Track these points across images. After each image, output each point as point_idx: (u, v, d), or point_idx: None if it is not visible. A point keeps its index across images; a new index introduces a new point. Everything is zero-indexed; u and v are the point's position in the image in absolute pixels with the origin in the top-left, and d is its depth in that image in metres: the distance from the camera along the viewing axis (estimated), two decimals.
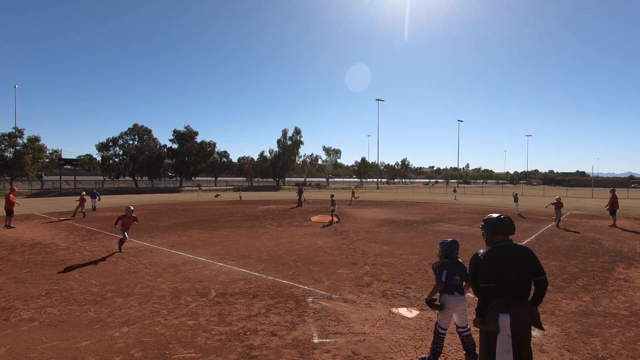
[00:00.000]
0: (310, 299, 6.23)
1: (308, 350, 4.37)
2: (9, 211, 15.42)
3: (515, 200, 22.60)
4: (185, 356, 4.22)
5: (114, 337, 4.70)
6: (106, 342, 4.55)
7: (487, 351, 3.12)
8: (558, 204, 15.98)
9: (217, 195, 43.30)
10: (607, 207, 17.30)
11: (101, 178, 72.83)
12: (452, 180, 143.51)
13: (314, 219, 18.43)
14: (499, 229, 3.26)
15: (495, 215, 3.39)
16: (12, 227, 14.98)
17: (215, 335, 4.76)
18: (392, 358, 4.23)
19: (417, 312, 5.69)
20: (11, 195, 15.79)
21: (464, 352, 4.12)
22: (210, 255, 9.76)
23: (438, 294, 3.99)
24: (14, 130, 53.16)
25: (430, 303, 3.96)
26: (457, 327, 4.09)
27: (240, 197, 38.25)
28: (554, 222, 16.24)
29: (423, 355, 4.17)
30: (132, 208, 10.87)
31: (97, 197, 23.32)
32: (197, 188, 45.84)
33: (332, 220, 17.02)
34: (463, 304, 4.02)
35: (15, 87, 58.20)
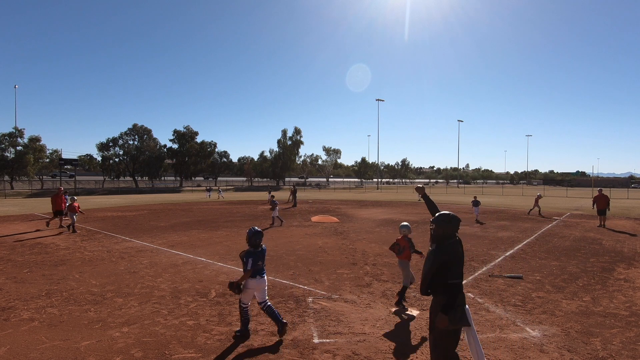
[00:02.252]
0: (310, 299, 6.23)
1: (308, 350, 4.37)
2: (59, 212, 14.90)
3: (475, 204, 19.00)
4: (185, 356, 4.22)
5: (114, 337, 4.69)
6: (106, 342, 4.55)
7: (446, 349, 3.15)
8: (537, 200, 21.33)
9: (209, 190, 43.63)
10: (593, 207, 17.09)
11: (101, 178, 72.85)
12: (452, 180, 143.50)
13: (314, 219, 18.42)
14: (456, 226, 3.26)
15: (449, 212, 3.35)
16: (63, 227, 14.56)
17: (215, 335, 4.76)
18: (392, 358, 4.23)
19: (417, 312, 5.69)
20: (61, 195, 15.13)
21: (274, 322, 4.78)
22: (210, 255, 9.76)
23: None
24: (14, 131, 53.23)
25: (235, 287, 4.54)
26: (258, 302, 4.82)
27: (220, 196, 39.01)
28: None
29: (237, 329, 4.81)
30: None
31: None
32: (207, 189, 44.80)
33: (273, 223, 16.00)
34: (262, 284, 4.74)
35: (15, 87, 58.34)
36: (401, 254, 6.08)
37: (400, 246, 6.10)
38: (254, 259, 4.55)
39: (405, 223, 6.42)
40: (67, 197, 19.59)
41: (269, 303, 4.79)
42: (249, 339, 4.65)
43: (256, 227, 4.75)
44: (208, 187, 43.87)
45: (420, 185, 4.26)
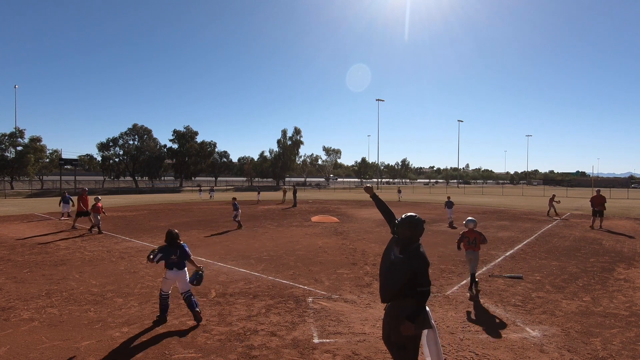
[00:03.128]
0: (310, 299, 6.23)
1: (308, 350, 4.37)
2: (84, 212, 14.75)
3: (449, 206, 17.31)
4: (185, 356, 4.22)
5: (114, 337, 4.70)
6: (106, 342, 4.55)
7: (409, 355, 2.99)
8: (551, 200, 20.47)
9: (201, 190, 43.00)
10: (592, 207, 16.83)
11: (101, 178, 72.88)
12: (452, 181, 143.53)
13: (314, 219, 18.42)
14: (422, 230, 3.07)
15: (415, 214, 3.09)
16: (95, 228, 14.19)
17: (215, 335, 4.76)
18: (392, 358, 4.23)
19: None
20: (85, 196, 14.95)
21: (190, 311, 5.25)
22: (210, 255, 9.76)
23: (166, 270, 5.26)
24: (15, 131, 53.26)
25: (149, 258, 5.19)
26: (180, 292, 5.29)
27: (211, 196, 38.68)
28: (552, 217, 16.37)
29: (158, 314, 5.34)
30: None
31: (71, 202, 19.63)
32: (209, 189, 43.89)
33: (241, 226, 15.12)
34: (181, 275, 5.25)
35: (15, 87, 58.31)
36: (476, 246, 6.62)
37: (470, 239, 6.65)
38: (164, 253, 5.16)
39: (471, 217, 6.96)
40: (67, 204, 19.46)
41: (190, 294, 5.25)
42: (249, 339, 4.66)
43: (175, 230, 5.35)
44: (200, 187, 43.25)
45: (369, 185, 3.99)
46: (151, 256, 5.13)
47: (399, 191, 41.81)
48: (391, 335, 3.01)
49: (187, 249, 5.33)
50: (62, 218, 18.47)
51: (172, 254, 5.19)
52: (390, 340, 3.04)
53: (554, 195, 21.85)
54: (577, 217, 20.07)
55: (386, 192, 60.41)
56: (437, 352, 3.14)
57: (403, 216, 3.11)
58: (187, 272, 5.34)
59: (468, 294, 6.51)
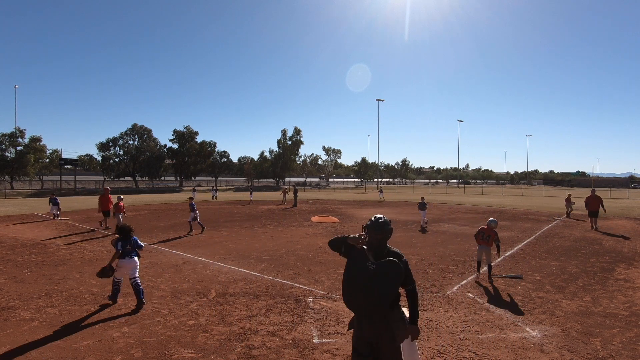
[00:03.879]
0: (310, 299, 6.23)
1: (308, 350, 4.37)
2: (106, 212, 14.63)
3: (422, 207, 15.68)
4: (185, 356, 4.22)
5: (114, 337, 4.70)
6: (106, 342, 4.55)
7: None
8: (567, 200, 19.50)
9: (194, 190, 40.61)
10: (586, 208, 16.11)
11: (101, 178, 72.87)
12: (452, 181, 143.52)
13: (314, 219, 18.42)
14: (390, 231, 2.89)
15: (382, 216, 2.89)
16: (109, 229, 14.31)
17: (215, 335, 4.76)
18: None
19: None
20: (108, 195, 14.77)
21: (135, 297, 5.93)
22: (210, 255, 9.76)
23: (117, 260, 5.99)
24: (15, 131, 53.29)
25: (108, 269, 5.90)
26: (130, 278, 5.97)
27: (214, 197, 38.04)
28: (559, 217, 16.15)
29: (109, 294, 6.10)
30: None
31: (58, 205, 18.66)
32: (213, 189, 42.69)
33: (191, 230, 13.85)
34: (132, 264, 6.02)
35: (15, 87, 58.33)
36: (488, 241, 7.45)
37: (485, 234, 7.51)
38: (123, 244, 5.98)
39: (493, 218, 7.81)
40: (56, 205, 18.52)
41: (138, 281, 5.99)
42: (249, 339, 4.66)
43: (127, 224, 6.30)
44: (194, 188, 42.25)
45: (354, 236, 2.85)
46: (111, 266, 5.97)
47: (380, 191, 40.31)
48: (383, 345, 2.77)
49: (138, 241, 6.28)
50: (60, 219, 18.24)
51: (128, 244, 6.07)
52: (385, 350, 2.79)
53: (570, 195, 21.03)
54: (577, 217, 20.06)
55: (386, 192, 60.39)
56: (412, 355, 2.92)
57: (372, 218, 2.89)
58: (137, 261, 6.10)
59: (475, 275, 7.69)
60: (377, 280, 2.71)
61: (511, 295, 6.53)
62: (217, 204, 30.82)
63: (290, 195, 31.58)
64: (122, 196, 14.34)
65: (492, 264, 7.95)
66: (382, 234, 2.83)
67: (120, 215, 13.73)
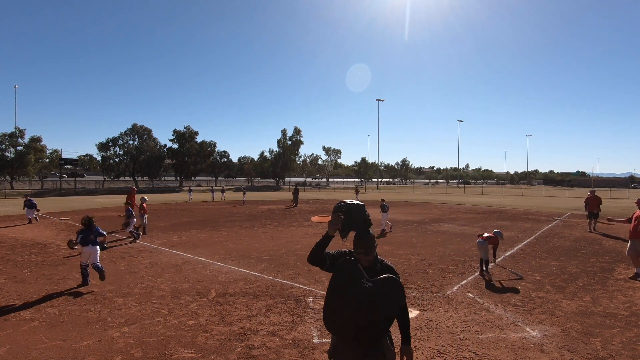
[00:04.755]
0: (310, 299, 6.23)
1: (308, 350, 4.37)
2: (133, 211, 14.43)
3: (383, 210, 14.53)
4: (185, 356, 4.22)
5: (114, 337, 4.70)
6: (106, 342, 4.55)
7: None
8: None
9: (190, 191, 37.82)
10: (585, 209, 15.50)
11: (101, 178, 72.87)
12: (452, 181, 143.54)
13: (314, 219, 18.42)
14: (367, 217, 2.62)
15: (342, 200, 2.64)
16: (137, 228, 13.75)
17: (215, 335, 4.76)
18: None
19: (417, 312, 5.69)
20: (134, 195, 14.47)
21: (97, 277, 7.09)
22: (210, 255, 9.76)
23: (81, 247, 7.01)
24: (15, 131, 53.33)
25: (72, 243, 7.25)
26: (91, 263, 7.03)
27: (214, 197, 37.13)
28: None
29: (81, 280, 7.07)
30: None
31: (35, 207, 17.09)
32: (220, 189, 40.37)
33: (134, 238, 12.01)
34: (94, 251, 7.09)
35: (15, 87, 58.37)
36: (488, 240, 8.13)
37: (485, 235, 8.25)
38: (84, 234, 6.99)
39: (499, 231, 8.58)
40: (32, 209, 16.84)
41: (98, 264, 7.06)
42: (249, 339, 4.66)
43: (89, 216, 7.28)
44: (190, 188, 41.05)
45: (332, 221, 2.49)
46: (73, 241, 7.10)
47: (357, 192, 38.10)
48: None
49: (100, 230, 7.28)
50: (38, 219, 17.24)
51: (90, 234, 7.04)
52: None
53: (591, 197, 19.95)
54: (577, 217, 20.06)
55: (386, 192, 60.44)
56: None
57: (347, 204, 2.55)
58: (98, 249, 7.18)
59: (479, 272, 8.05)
60: (376, 301, 2.32)
61: (511, 295, 6.53)
62: (217, 204, 30.85)
63: (301, 195, 30.97)
64: (146, 197, 14.19)
65: (490, 262, 8.38)
66: (362, 215, 2.48)
67: (144, 217, 13.54)
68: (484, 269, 8.04)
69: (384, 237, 12.79)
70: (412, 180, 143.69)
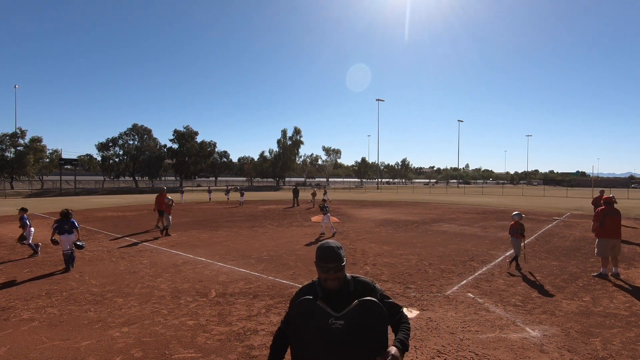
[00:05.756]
0: None
1: None
2: (161, 211, 14.09)
3: (323, 211, 13.70)
4: (185, 356, 4.22)
5: (114, 337, 4.69)
6: (106, 342, 4.55)
7: None
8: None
9: (182, 192, 35.22)
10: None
11: (101, 178, 72.88)
12: (452, 181, 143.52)
13: (314, 219, 18.42)
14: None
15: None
16: (159, 228, 13.90)
17: (215, 335, 4.76)
18: None
19: (417, 312, 5.69)
20: (164, 195, 14.19)
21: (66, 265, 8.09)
22: (210, 255, 9.76)
23: (58, 235, 8.06)
24: (16, 131, 53.41)
25: (52, 241, 8.16)
26: (63, 251, 8.11)
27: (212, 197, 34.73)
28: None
29: (64, 267, 8.11)
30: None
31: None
32: (207, 190, 38.21)
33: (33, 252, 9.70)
34: (70, 239, 8.05)
35: (15, 87, 58.40)
36: (519, 234, 8.34)
37: (513, 228, 8.43)
38: (60, 224, 8.02)
39: (517, 212, 8.72)
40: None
41: (71, 252, 8.04)
42: (249, 339, 4.66)
43: (67, 209, 8.33)
44: (182, 189, 36.71)
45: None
46: (54, 239, 8.11)
47: (325, 193, 32.07)
48: None
49: (76, 223, 8.26)
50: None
51: (66, 224, 8.04)
52: None
53: (603, 196, 19.26)
54: (577, 217, 20.06)
55: (386, 192, 60.45)
56: None
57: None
58: (73, 237, 8.08)
59: (508, 266, 8.51)
60: (355, 340, 1.86)
61: (511, 295, 6.53)
62: (217, 204, 30.83)
63: (319, 195, 29.12)
64: (171, 198, 14.08)
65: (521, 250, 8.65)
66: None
67: (170, 217, 13.51)
68: (517, 263, 8.44)
69: (447, 228, 12.78)
70: (412, 180, 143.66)
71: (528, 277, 7.71)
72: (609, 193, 16.94)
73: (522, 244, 8.45)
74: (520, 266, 8.44)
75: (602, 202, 8.60)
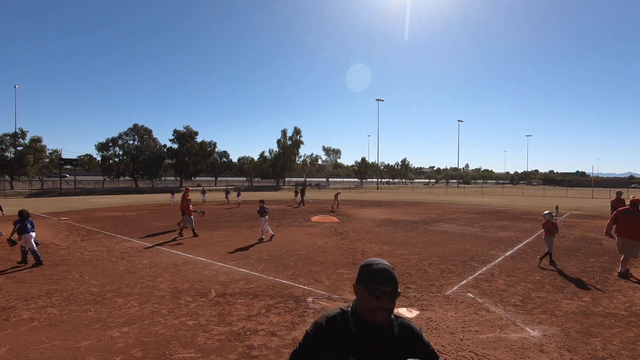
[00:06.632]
0: (310, 299, 6.23)
1: None
2: (183, 211, 13.57)
3: (262, 213, 12.74)
4: (185, 356, 4.22)
5: (114, 337, 4.69)
6: (106, 342, 4.55)
7: None
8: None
9: (173, 193, 32.09)
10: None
11: (101, 178, 72.86)
12: (452, 181, 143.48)
13: (314, 219, 18.42)
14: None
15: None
16: (182, 231, 13.54)
17: (215, 335, 4.76)
18: None
19: (417, 312, 5.69)
20: (187, 195, 13.70)
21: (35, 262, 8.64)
22: (210, 255, 9.76)
23: (17, 235, 8.58)
24: (17, 131, 53.46)
25: (10, 242, 8.66)
26: (28, 248, 8.61)
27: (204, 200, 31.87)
28: None
29: (34, 262, 8.67)
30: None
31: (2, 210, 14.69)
32: (171, 192, 33.38)
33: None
34: (30, 237, 8.54)
35: (15, 87, 58.37)
36: (550, 232, 8.75)
37: (546, 227, 8.79)
38: (21, 224, 8.48)
39: (547, 211, 9.15)
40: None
41: (35, 249, 8.56)
42: (249, 339, 4.67)
43: (24, 210, 8.80)
44: (172, 191, 32.87)
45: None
46: (12, 239, 8.59)
47: (296, 193, 28.67)
48: None
49: (32, 222, 8.89)
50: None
51: (27, 224, 8.59)
52: None
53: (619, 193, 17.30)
54: (577, 217, 20.07)
55: (386, 192, 60.49)
56: None
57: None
58: (33, 235, 8.64)
59: (539, 261, 8.82)
60: None
61: (511, 295, 6.53)
62: (217, 204, 30.79)
63: (341, 197, 27.64)
64: (190, 198, 13.95)
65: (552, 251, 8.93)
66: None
67: (191, 217, 13.27)
68: (550, 259, 8.83)
69: (447, 228, 12.77)
70: (412, 180, 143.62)
71: (528, 277, 7.71)
72: (607, 193, 16.09)
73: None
74: (554, 262, 8.82)
75: (629, 203, 7.95)
